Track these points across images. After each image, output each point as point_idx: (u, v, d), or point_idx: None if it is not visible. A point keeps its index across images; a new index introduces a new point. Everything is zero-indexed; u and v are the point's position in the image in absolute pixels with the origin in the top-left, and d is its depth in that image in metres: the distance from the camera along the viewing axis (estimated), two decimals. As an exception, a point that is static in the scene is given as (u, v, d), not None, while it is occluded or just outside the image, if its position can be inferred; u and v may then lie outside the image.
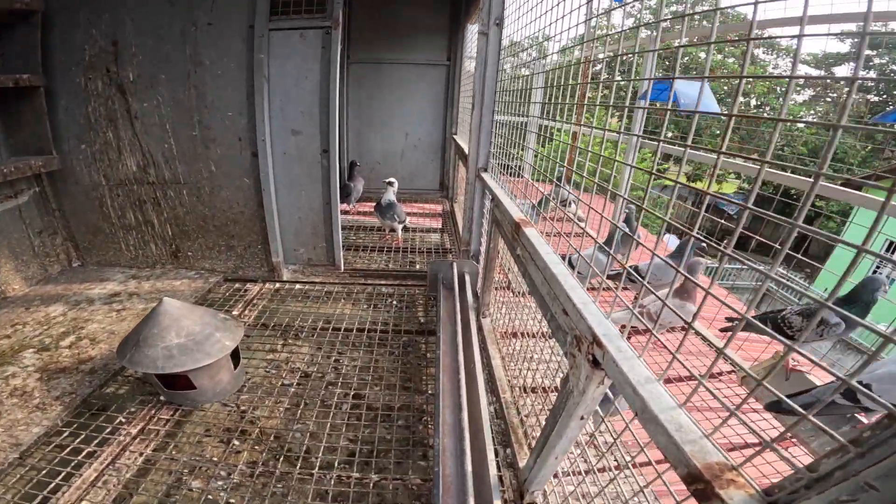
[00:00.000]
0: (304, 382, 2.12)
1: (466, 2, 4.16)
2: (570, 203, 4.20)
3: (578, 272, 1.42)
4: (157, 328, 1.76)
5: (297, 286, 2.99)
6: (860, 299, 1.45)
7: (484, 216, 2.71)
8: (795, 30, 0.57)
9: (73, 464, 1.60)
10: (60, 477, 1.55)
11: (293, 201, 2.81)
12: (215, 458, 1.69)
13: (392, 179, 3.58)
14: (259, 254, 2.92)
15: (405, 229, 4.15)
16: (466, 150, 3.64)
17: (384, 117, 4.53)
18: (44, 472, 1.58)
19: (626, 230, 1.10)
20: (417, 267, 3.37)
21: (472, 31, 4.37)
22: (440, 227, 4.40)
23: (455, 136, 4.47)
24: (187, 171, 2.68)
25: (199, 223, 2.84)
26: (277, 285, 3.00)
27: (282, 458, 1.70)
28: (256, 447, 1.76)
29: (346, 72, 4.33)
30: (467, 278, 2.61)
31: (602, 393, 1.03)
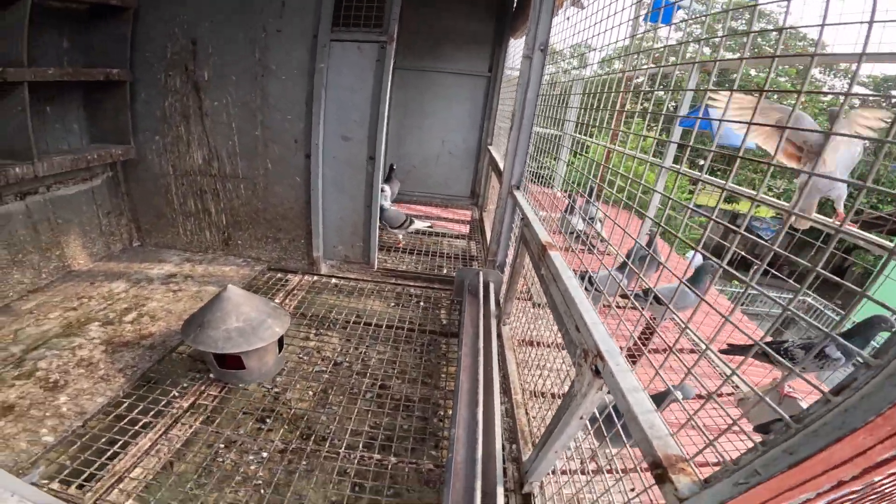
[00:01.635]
0: (334, 370, 2.28)
1: (513, 16, 4.26)
2: (596, 221, 4.24)
3: (596, 289, 1.55)
4: (220, 312, 1.95)
5: (333, 280, 3.16)
6: (862, 334, 1.51)
7: (513, 231, 2.83)
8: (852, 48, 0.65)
9: (130, 433, 1.75)
10: (118, 445, 1.69)
11: (337, 202, 2.98)
12: (249, 435, 1.85)
13: (384, 187, 3.72)
14: (301, 247, 3.10)
15: (428, 233, 4.31)
16: (501, 165, 3.76)
17: (423, 123, 4.67)
18: (103, 440, 1.72)
19: (648, 250, 1.21)
20: (444, 271, 3.50)
21: (515, 44, 4.47)
22: (467, 233, 4.53)
23: (490, 147, 4.58)
24: (247, 167, 2.89)
25: (252, 215, 3.04)
26: (315, 278, 3.18)
27: (309, 439, 1.85)
28: (286, 427, 1.91)
29: (391, 77, 4.48)
30: (491, 287, 2.74)
31: (600, 398, 1.19)
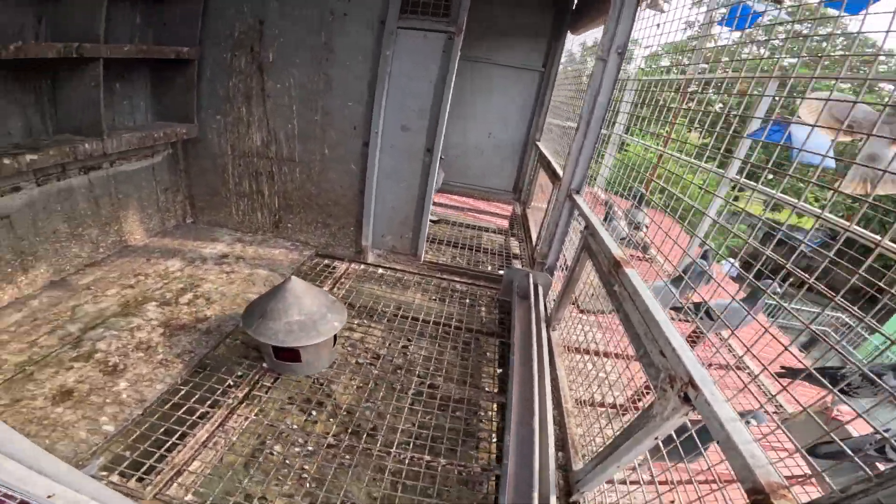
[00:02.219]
0: (375, 363, 2.24)
1: (574, 10, 4.07)
2: (642, 227, 4.10)
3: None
4: (282, 304, 1.91)
5: (380, 270, 3.13)
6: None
7: (568, 235, 2.73)
8: None
9: (188, 423, 1.71)
10: (176, 436, 1.65)
11: (391, 192, 2.92)
12: (295, 426, 1.83)
13: None
14: (350, 235, 3.07)
15: (468, 226, 4.23)
16: (553, 163, 3.63)
17: (472, 113, 4.56)
18: (162, 430, 1.67)
19: (704, 266, 1.14)
20: (488, 269, 3.43)
21: (573, 40, 4.29)
22: (507, 228, 4.43)
23: (538, 143, 4.44)
24: (303, 151, 2.85)
25: (304, 200, 3.02)
26: (362, 267, 3.14)
27: (350, 432, 1.82)
28: (331, 419, 1.89)
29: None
30: (541, 290, 2.67)
31: (681, 423, 1.18)
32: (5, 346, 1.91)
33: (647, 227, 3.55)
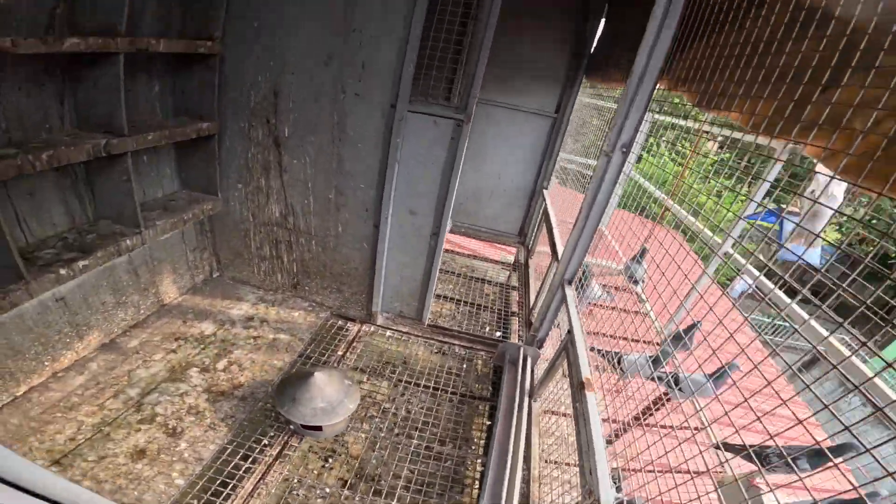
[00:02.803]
0: (382, 416, 2.56)
1: (591, 56, 4.06)
2: (639, 280, 4.17)
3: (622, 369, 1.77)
4: (308, 393, 2.25)
5: (388, 332, 3.32)
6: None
7: (556, 324, 2.87)
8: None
9: (236, 477, 2.04)
10: (229, 488, 1.98)
11: (399, 268, 3.02)
12: (315, 472, 2.21)
13: None
14: (361, 300, 3.22)
15: (470, 277, 4.37)
16: (554, 224, 3.73)
17: (482, 156, 4.61)
18: (217, 482, 2.00)
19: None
20: (486, 330, 3.60)
21: (589, 85, 4.30)
22: (507, 282, 4.54)
23: (545, 192, 4.51)
24: (319, 226, 2.96)
25: (320, 269, 3.16)
26: (372, 328, 3.32)
27: (362, 478, 2.20)
28: (345, 466, 2.26)
29: None
30: (529, 362, 2.85)
31: None
32: (79, 408, 2.22)
33: (644, 281, 3.63)
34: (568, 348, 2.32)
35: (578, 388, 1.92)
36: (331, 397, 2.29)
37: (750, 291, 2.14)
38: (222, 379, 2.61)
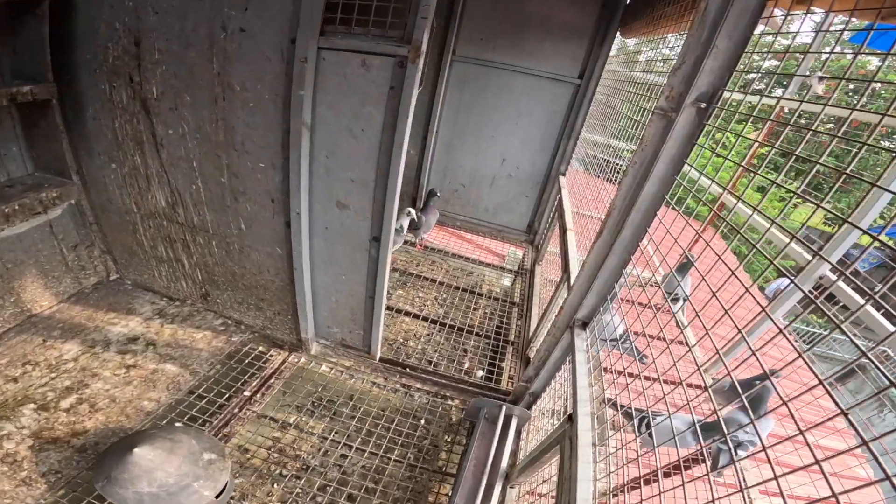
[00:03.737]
0: (301, 476, 1.81)
1: (628, 6, 2.89)
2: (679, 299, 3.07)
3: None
4: (128, 474, 1.45)
5: (324, 366, 2.35)
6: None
7: (556, 378, 1.82)
8: None
9: None
10: None
11: (331, 283, 1.99)
12: None
13: (410, 210, 3.05)
14: (288, 322, 2.23)
15: (462, 288, 3.34)
16: (569, 221, 2.61)
17: (481, 133, 3.52)
18: None
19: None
20: (467, 365, 2.57)
21: (622, 43, 3.12)
22: (509, 296, 3.46)
23: (562, 178, 3.38)
24: (216, 222, 1.96)
25: (228, 278, 2.16)
26: (303, 359, 2.38)
27: None
28: None
29: (446, 69, 3.27)
30: (512, 427, 1.87)
31: None
32: None
33: (686, 300, 2.50)
34: (564, 446, 1.30)
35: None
36: (166, 481, 1.47)
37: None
38: (62, 421, 1.82)
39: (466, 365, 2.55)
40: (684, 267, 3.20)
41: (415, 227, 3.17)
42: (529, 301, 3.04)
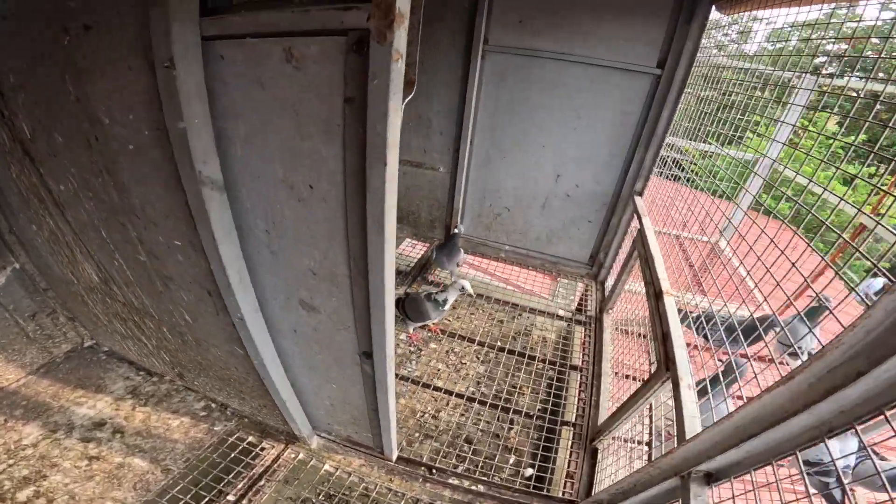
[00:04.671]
0: None
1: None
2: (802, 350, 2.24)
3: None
4: None
5: (328, 465, 1.72)
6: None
7: None
8: None
9: None
10: None
11: (319, 388, 1.30)
12: None
13: (464, 284, 2.15)
14: (278, 415, 1.65)
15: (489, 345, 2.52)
16: (662, 280, 1.73)
17: (527, 142, 2.62)
18: None
19: None
20: (511, 460, 1.81)
21: (718, 22, 2.14)
22: (569, 322, 2.63)
23: (637, 199, 2.46)
24: (157, 308, 1.31)
25: (197, 365, 1.52)
26: (302, 455, 1.75)
27: None
28: None
29: (477, 63, 2.41)
30: None
31: None
32: None
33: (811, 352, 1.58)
34: None
35: None
36: None
37: None
38: (12, 522, 1.25)
39: (512, 460, 1.81)
40: (815, 311, 2.24)
41: (424, 311, 2.14)
42: (596, 364, 2.21)
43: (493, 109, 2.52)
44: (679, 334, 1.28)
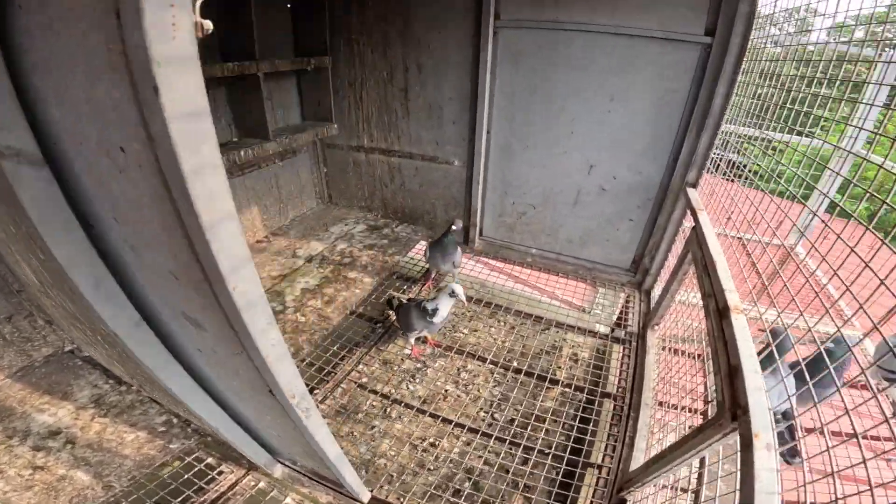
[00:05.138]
0: None
1: None
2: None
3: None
4: None
5: (289, 499, 1.41)
6: None
7: None
8: None
9: None
10: None
11: (258, 417, 1.00)
12: None
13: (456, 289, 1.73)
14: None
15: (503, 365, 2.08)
16: (729, 295, 1.25)
17: (553, 129, 2.22)
18: None
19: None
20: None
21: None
22: (604, 346, 2.15)
23: (690, 191, 1.99)
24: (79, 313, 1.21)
25: (141, 376, 1.44)
26: (262, 484, 1.48)
27: None
28: None
29: (488, 42, 2.10)
30: None
31: None
32: None
33: None
34: None
35: None
36: None
37: None
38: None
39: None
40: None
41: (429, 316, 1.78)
42: (636, 393, 1.74)
43: (511, 92, 2.18)
44: (755, 369, 0.84)
